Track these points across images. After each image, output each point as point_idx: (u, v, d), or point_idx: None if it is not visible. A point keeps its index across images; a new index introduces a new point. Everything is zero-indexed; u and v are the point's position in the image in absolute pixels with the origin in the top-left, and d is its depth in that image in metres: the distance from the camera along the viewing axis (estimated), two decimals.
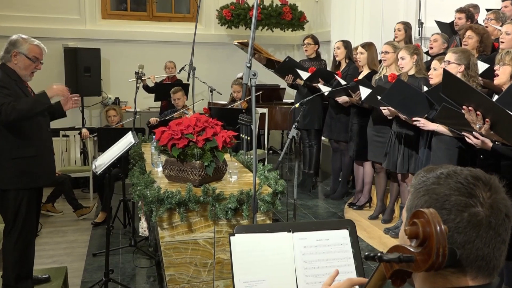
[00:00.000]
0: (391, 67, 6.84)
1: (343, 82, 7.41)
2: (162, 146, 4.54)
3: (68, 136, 9.18)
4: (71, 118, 8.95)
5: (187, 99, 9.08)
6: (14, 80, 4.70)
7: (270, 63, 10.01)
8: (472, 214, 1.45)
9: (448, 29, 7.96)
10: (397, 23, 8.05)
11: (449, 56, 5.35)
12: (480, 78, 5.45)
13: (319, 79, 8.04)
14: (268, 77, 10.85)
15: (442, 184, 1.50)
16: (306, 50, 8.76)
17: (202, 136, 4.47)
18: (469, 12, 7.60)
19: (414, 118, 5.67)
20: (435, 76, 5.66)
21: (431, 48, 7.09)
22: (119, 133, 6.55)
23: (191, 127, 4.52)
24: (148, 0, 12.06)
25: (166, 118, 8.25)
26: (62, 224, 7.54)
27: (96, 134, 8.57)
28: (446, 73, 4.36)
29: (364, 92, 6.62)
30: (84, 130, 9.04)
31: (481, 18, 7.84)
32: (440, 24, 8.26)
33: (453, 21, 7.76)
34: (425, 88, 5.85)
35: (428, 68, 6.16)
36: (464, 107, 4.22)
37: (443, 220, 1.40)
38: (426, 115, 5.67)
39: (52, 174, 5.10)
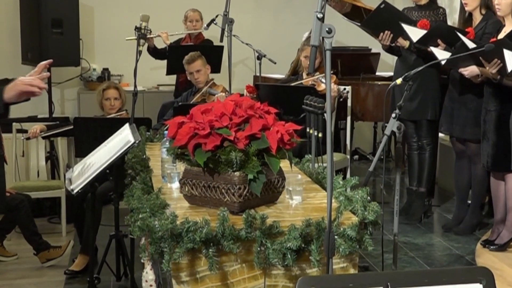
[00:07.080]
0: None
1: (471, 45, 7.29)
2: (179, 147, 4.59)
3: (26, 131, 8.97)
4: (32, 102, 9.00)
5: (219, 71, 9.06)
6: None
7: (355, 13, 10.03)
8: None
9: None
10: None
11: None
12: None
13: (438, 40, 7.96)
14: (353, 35, 10.88)
15: None
16: None
17: (244, 132, 4.49)
18: None
19: None
20: None
21: None
22: (109, 126, 6.59)
23: (226, 116, 4.54)
24: None
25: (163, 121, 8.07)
26: (17, 275, 7.62)
27: (71, 128, 8.40)
28: None
29: (510, 59, 6.58)
30: (36, 127, 8.53)
31: None
32: None
33: None
34: None
35: None
36: None
37: None
38: None
39: (1, 195, 5.09)
